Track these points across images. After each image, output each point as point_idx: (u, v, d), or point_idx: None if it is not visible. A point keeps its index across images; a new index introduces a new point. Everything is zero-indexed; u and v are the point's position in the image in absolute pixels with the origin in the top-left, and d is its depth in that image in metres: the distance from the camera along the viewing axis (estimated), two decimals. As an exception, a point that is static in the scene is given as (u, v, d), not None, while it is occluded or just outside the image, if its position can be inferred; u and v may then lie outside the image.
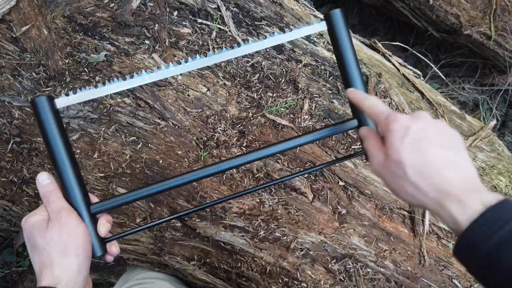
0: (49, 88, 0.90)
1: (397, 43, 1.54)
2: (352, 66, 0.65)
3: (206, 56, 0.64)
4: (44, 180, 0.62)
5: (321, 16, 1.08)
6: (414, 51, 1.62)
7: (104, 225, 0.63)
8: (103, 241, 0.63)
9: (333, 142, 1.02)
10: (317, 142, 1.00)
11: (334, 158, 0.98)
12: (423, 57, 1.57)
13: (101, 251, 0.63)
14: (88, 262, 0.60)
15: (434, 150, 0.52)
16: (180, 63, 0.64)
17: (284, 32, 0.65)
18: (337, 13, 0.64)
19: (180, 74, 0.96)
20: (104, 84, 0.63)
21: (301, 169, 0.99)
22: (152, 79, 0.64)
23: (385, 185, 0.62)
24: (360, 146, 1.03)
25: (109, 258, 0.65)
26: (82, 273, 0.59)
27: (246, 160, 0.66)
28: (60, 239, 0.57)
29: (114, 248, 0.65)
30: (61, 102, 0.62)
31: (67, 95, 0.62)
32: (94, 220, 0.63)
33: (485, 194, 0.50)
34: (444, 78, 1.79)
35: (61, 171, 0.61)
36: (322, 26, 0.65)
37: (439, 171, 0.51)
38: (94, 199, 0.65)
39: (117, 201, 0.64)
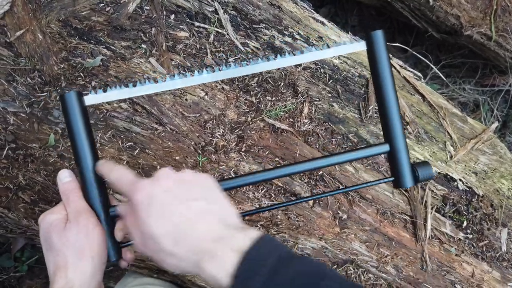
0: (44, 94, 0.88)
1: (397, 44, 1.52)
2: (388, 91, 0.63)
3: (241, 66, 0.63)
4: (66, 178, 0.61)
5: (321, 19, 1.07)
6: (414, 52, 1.60)
7: (122, 229, 0.60)
8: (119, 246, 0.61)
9: (333, 146, 1.00)
10: (317, 146, 0.99)
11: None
12: (423, 58, 1.55)
13: (116, 256, 0.61)
14: (103, 266, 0.59)
15: (182, 210, 0.48)
16: (216, 70, 0.62)
17: (322, 49, 0.63)
18: (379, 35, 0.63)
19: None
20: (134, 85, 0.61)
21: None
22: (184, 84, 0.62)
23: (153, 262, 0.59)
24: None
25: (124, 264, 0.64)
26: (96, 277, 0.57)
27: (275, 175, 0.64)
28: (76, 241, 0.56)
29: (129, 254, 0.64)
30: (90, 99, 0.61)
31: (96, 93, 0.61)
32: (112, 224, 0.61)
33: (237, 237, 0.46)
34: (445, 79, 1.77)
35: (84, 170, 0.60)
36: (362, 46, 0.64)
37: (192, 230, 0.47)
38: (113, 201, 0.63)
39: None
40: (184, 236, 0.47)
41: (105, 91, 0.61)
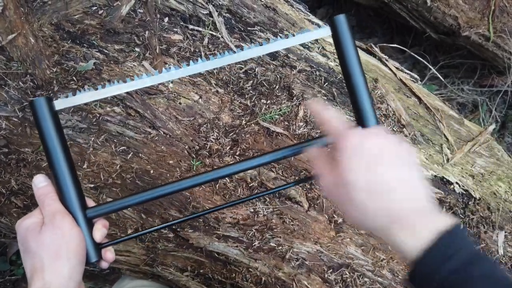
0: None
1: (395, 45, 1.52)
2: (356, 74, 0.62)
3: (208, 60, 0.62)
4: (40, 183, 0.61)
5: (316, 21, 1.06)
6: (412, 53, 1.60)
7: (100, 230, 0.61)
8: (98, 247, 0.61)
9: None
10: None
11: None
12: (421, 59, 1.55)
13: (96, 257, 0.61)
14: (81, 267, 0.58)
15: (386, 170, 0.49)
16: (186, 65, 0.62)
17: (287, 37, 0.63)
18: (341, 19, 0.62)
19: (171, 82, 0.94)
20: (103, 86, 0.61)
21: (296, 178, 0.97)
22: (153, 81, 0.62)
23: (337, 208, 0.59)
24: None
25: (104, 265, 0.63)
26: (73, 278, 0.57)
27: (239, 169, 0.64)
28: (52, 243, 0.56)
29: (109, 254, 0.63)
30: (60, 103, 0.61)
31: (66, 97, 0.61)
32: (90, 225, 0.61)
33: (436, 218, 0.47)
34: (443, 80, 1.77)
35: (58, 174, 0.60)
36: (327, 32, 0.63)
37: (389, 192, 0.48)
38: (91, 203, 0.63)
39: (114, 206, 0.62)
40: (379, 196, 0.48)
41: (74, 94, 0.61)
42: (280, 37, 0.63)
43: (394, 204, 0.48)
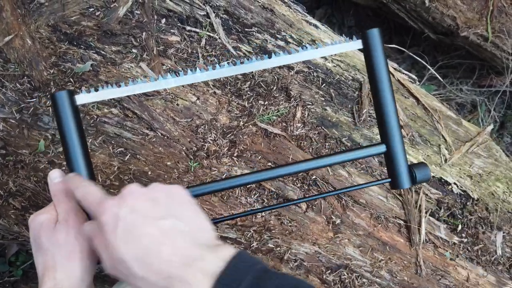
0: (34, 99, 0.87)
1: (394, 45, 1.52)
2: (385, 90, 0.62)
3: (234, 65, 0.61)
4: (56, 178, 0.60)
5: (314, 22, 1.06)
6: (410, 53, 1.60)
7: None
8: None
9: (327, 151, 0.99)
10: (310, 151, 0.98)
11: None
12: (420, 59, 1.55)
13: None
14: (93, 268, 0.57)
15: (148, 230, 0.45)
16: (210, 69, 0.61)
17: (317, 47, 0.62)
18: (375, 33, 0.61)
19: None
20: (126, 84, 0.61)
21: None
22: (177, 83, 0.61)
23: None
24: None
25: None
26: (85, 279, 0.56)
27: (262, 178, 0.63)
28: (66, 242, 0.55)
29: None
30: (81, 98, 0.60)
31: (88, 92, 0.60)
32: None
33: (209, 259, 0.44)
34: (442, 80, 1.77)
35: (75, 169, 0.59)
36: (357, 45, 0.63)
37: (158, 252, 0.44)
38: None
39: None
40: (152, 260, 0.44)
41: (96, 90, 0.60)
42: (311, 47, 0.62)
43: (164, 264, 0.44)
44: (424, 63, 1.53)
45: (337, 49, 0.63)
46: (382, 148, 0.64)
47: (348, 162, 0.98)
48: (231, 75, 0.62)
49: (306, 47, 0.62)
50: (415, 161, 1.03)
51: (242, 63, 0.62)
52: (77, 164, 0.59)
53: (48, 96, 0.88)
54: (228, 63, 0.62)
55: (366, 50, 0.62)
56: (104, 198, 0.50)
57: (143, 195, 0.49)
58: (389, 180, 0.64)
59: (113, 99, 0.90)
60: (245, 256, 0.45)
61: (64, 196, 0.58)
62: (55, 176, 0.60)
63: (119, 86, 0.60)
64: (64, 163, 0.90)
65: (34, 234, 0.57)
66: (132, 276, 0.45)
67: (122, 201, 0.48)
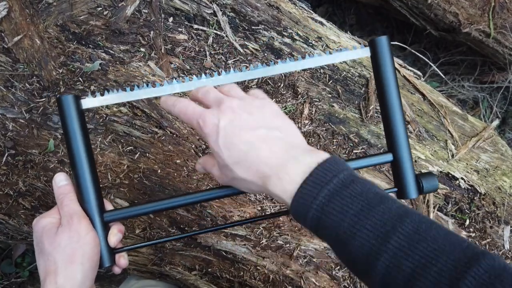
0: (43, 99, 0.88)
1: (396, 42, 1.52)
2: (393, 98, 0.62)
3: (240, 71, 0.62)
4: (61, 181, 0.61)
5: (319, 19, 1.06)
6: (412, 50, 1.60)
7: (116, 235, 0.60)
8: (112, 252, 0.61)
9: (334, 147, 1.00)
10: (318, 147, 0.99)
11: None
12: (422, 56, 1.55)
13: (110, 262, 0.60)
14: (94, 272, 0.58)
15: (246, 137, 0.51)
16: (215, 75, 0.62)
17: (325, 53, 0.62)
18: (383, 41, 0.61)
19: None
20: (132, 89, 0.61)
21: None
22: (182, 88, 0.61)
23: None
24: (362, 150, 1.01)
25: (117, 270, 0.63)
26: (86, 283, 0.56)
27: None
28: (67, 246, 0.55)
29: (122, 260, 0.62)
30: (87, 102, 0.60)
31: (94, 96, 0.60)
32: (106, 229, 0.60)
33: (302, 159, 0.49)
34: (444, 77, 1.77)
35: (79, 174, 0.59)
36: (366, 52, 0.63)
37: (256, 156, 0.50)
38: (109, 206, 0.63)
39: (132, 211, 0.61)
40: (250, 163, 0.50)
41: (102, 94, 0.60)
42: (318, 54, 0.62)
43: (261, 165, 0.50)
44: (426, 60, 1.53)
45: (345, 57, 0.63)
46: (389, 157, 0.63)
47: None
48: (237, 81, 0.62)
49: (315, 55, 0.63)
50: (422, 157, 1.04)
51: (248, 69, 0.62)
52: (81, 167, 0.59)
53: (57, 96, 0.88)
54: (234, 69, 0.62)
55: (374, 58, 0.62)
56: (202, 110, 0.54)
57: (240, 109, 0.53)
58: (396, 189, 0.64)
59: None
60: (337, 159, 0.49)
61: (68, 199, 0.59)
62: (60, 179, 0.61)
63: (125, 90, 0.61)
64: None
65: (37, 238, 0.58)
66: (236, 179, 0.52)
67: (221, 114, 0.52)
